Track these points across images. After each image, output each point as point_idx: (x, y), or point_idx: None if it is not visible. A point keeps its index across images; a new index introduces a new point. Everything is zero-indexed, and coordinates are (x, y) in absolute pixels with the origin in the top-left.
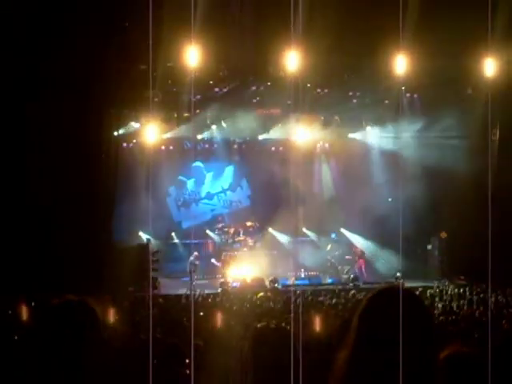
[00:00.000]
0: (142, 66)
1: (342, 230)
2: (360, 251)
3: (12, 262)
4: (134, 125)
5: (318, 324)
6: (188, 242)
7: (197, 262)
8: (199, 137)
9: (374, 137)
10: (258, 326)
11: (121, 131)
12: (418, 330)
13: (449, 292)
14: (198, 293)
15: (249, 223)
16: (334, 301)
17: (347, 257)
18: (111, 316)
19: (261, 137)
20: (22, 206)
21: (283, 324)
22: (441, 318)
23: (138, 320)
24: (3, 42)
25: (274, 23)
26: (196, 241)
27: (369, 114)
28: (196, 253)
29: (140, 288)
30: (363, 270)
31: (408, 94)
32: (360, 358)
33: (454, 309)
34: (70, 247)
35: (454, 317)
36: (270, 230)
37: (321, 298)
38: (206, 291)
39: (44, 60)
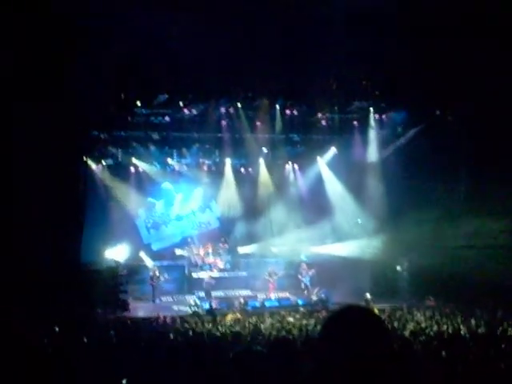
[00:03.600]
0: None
1: (314, 249)
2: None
3: None
4: (104, 146)
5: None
6: (158, 264)
7: (213, 282)
8: (168, 158)
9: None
10: (234, 352)
11: (90, 153)
12: (375, 346)
13: (418, 313)
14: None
15: (218, 245)
16: (304, 322)
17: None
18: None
19: (229, 158)
20: None
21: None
22: (410, 338)
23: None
24: None
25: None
26: (166, 262)
27: (336, 136)
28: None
29: (108, 310)
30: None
31: (377, 115)
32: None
33: (424, 329)
34: (36, 269)
35: (423, 337)
36: (240, 251)
37: (290, 319)
38: (175, 314)
39: (20, 77)
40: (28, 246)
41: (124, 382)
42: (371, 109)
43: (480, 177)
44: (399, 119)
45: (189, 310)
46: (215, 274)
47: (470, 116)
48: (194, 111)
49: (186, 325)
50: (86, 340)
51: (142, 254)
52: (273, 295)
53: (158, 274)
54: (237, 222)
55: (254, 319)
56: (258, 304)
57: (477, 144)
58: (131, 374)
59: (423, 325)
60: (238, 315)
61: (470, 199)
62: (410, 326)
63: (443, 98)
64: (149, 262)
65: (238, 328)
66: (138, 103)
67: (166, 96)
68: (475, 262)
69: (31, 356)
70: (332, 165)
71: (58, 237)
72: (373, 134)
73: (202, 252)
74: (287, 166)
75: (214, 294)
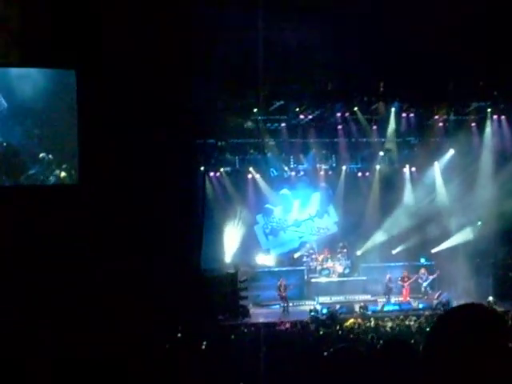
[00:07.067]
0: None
1: (433, 252)
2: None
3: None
4: (222, 154)
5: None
6: (277, 269)
7: (391, 285)
8: (285, 165)
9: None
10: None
11: (208, 161)
12: (493, 342)
13: None
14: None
15: (337, 250)
16: (424, 326)
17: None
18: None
19: (346, 163)
20: (116, 236)
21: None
22: None
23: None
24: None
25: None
26: (285, 268)
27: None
28: (389, 275)
29: (230, 316)
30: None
31: (495, 116)
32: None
33: None
34: (159, 276)
35: None
36: (359, 255)
37: (411, 323)
38: (295, 318)
39: (135, 94)
40: (151, 254)
41: None
42: (489, 110)
43: None
44: None
45: (309, 316)
46: (334, 278)
47: None
48: (310, 116)
49: (307, 330)
50: (207, 345)
51: (262, 260)
52: (407, 300)
53: (285, 283)
54: (355, 227)
55: (374, 323)
56: (378, 308)
57: None
58: (250, 376)
59: None
60: (359, 320)
61: None
62: None
63: None
64: (270, 263)
65: (357, 332)
66: (255, 110)
67: (282, 102)
68: None
69: (155, 359)
70: (450, 167)
71: (179, 244)
72: (491, 135)
73: (320, 257)
74: (404, 169)
75: (335, 298)
